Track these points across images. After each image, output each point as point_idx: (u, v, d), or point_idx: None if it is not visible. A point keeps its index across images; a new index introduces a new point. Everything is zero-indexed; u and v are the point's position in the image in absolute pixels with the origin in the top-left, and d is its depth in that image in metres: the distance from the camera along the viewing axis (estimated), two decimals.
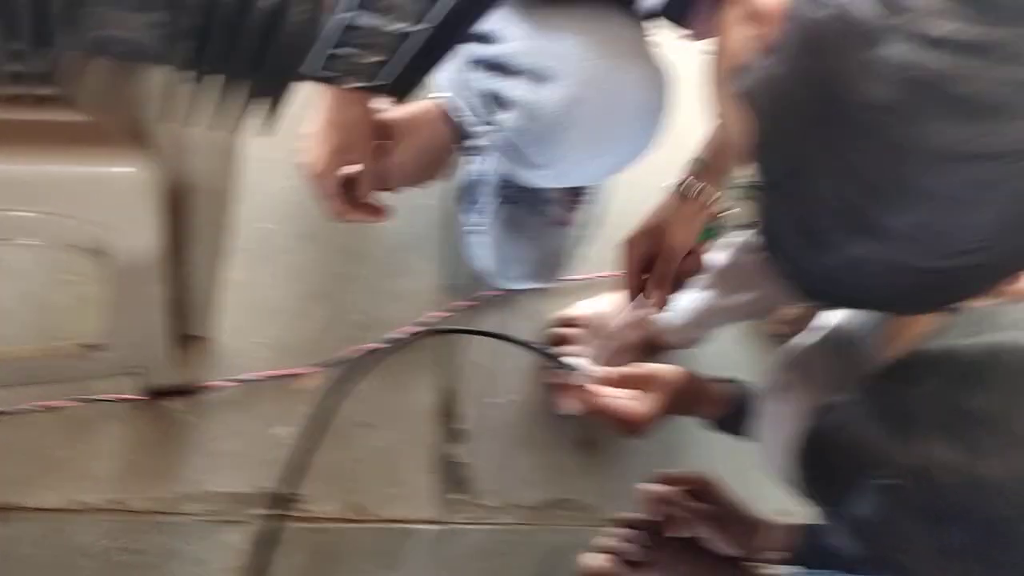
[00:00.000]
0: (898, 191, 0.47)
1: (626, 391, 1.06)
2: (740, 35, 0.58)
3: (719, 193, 1.00)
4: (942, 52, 0.44)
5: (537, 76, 0.76)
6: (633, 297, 1.07)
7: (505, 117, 0.80)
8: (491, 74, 0.80)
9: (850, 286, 0.53)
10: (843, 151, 0.48)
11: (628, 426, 1.04)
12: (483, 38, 0.79)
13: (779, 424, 0.94)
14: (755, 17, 0.55)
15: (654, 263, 1.05)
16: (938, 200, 0.46)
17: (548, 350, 1.12)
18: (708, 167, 0.99)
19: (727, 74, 0.59)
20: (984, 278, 0.52)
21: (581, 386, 1.01)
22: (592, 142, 0.79)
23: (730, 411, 1.09)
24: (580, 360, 1.00)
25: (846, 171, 0.48)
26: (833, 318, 1.03)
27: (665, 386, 1.05)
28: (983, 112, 0.44)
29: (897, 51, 0.45)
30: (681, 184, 1.00)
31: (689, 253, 1.05)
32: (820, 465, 0.61)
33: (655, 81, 0.79)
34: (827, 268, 0.53)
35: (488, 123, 0.84)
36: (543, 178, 0.85)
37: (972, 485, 0.49)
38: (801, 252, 0.53)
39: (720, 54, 0.65)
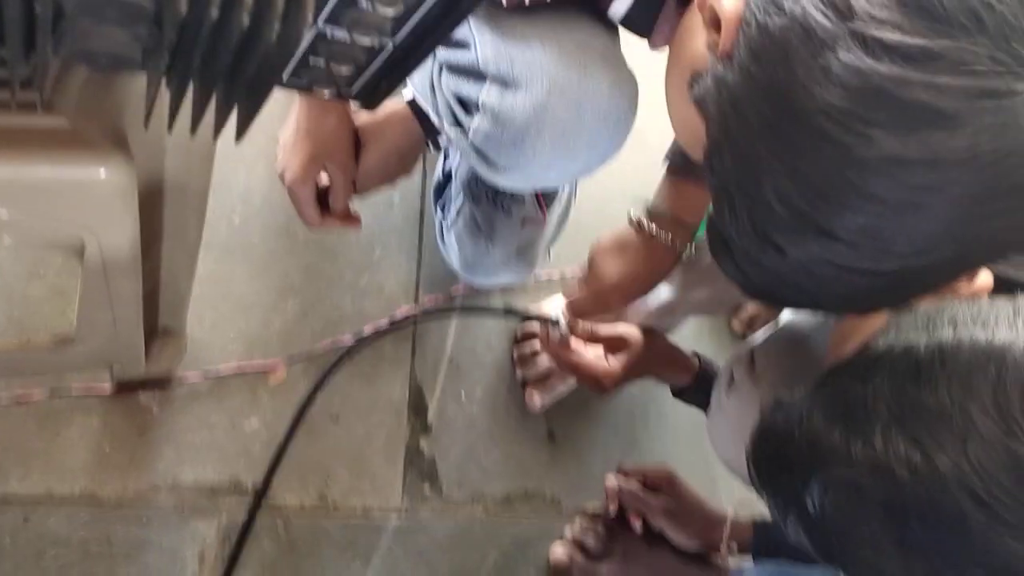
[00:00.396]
0: (846, 195, 0.48)
1: (597, 350, 1.09)
2: (699, 42, 0.60)
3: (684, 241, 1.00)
4: (891, 60, 0.45)
5: (505, 82, 0.77)
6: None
7: (473, 121, 0.81)
8: (460, 79, 0.81)
9: (799, 287, 0.54)
10: (793, 156, 0.49)
11: (597, 382, 1.06)
12: (453, 43, 0.80)
13: (728, 419, 0.97)
14: (714, 24, 0.57)
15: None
16: (884, 204, 0.48)
17: (520, 310, 1.14)
18: (673, 222, 0.98)
19: (684, 80, 0.60)
20: (931, 280, 0.53)
21: (554, 341, 1.04)
22: (559, 148, 0.80)
23: (695, 382, 1.12)
24: (556, 315, 1.01)
25: (795, 176, 0.50)
26: (785, 316, 1.06)
27: (636, 347, 1.08)
28: (928, 119, 0.45)
29: (847, 58, 0.46)
30: (648, 230, 1.00)
31: None
32: (774, 461, 0.60)
33: (623, 89, 0.80)
34: (776, 269, 0.54)
35: (456, 126, 0.85)
36: (509, 181, 0.86)
37: (930, 479, 0.49)
38: (751, 254, 0.55)
39: (678, 60, 0.66)
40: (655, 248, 0.99)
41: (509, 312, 1.19)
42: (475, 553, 1.14)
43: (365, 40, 0.46)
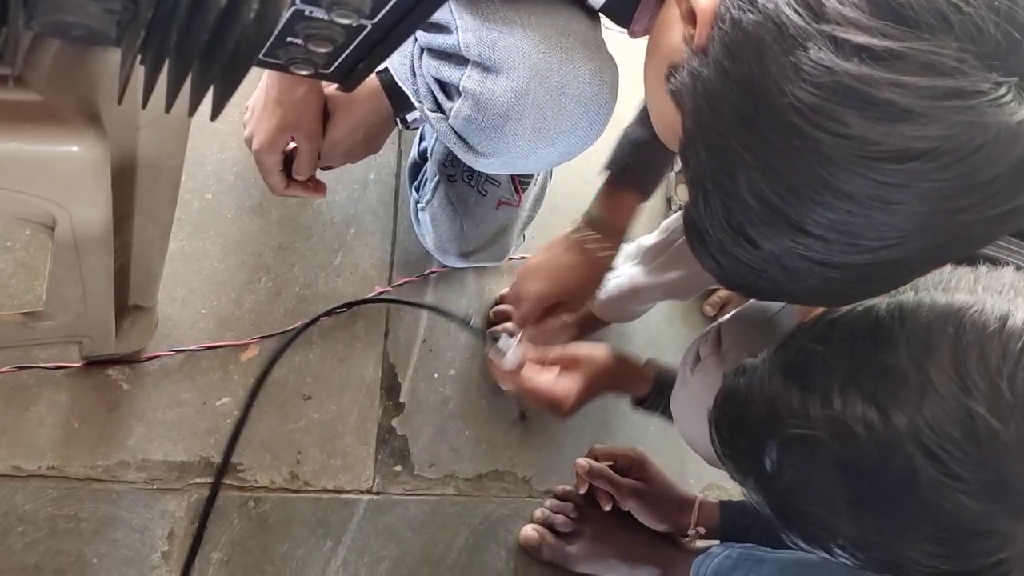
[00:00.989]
0: (816, 191, 0.49)
1: (553, 372, 1.09)
2: (675, 35, 0.60)
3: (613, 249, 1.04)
4: (859, 60, 0.46)
5: (486, 67, 0.77)
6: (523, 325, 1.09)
7: (453, 106, 0.81)
8: (441, 62, 0.81)
9: (772, 280, 0.55)
10: (765, 151, 0.50)
11: (555, 406, 1.06)
12: (434, 27, 0.79)
13: (693, 397, 0.98)
14: (690, 17, 0.57)
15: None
16: (854, 200, 0.49)
17: (478, 328, 1.14)
18: (607, 228, 1.03)
19: (661, 72, 0.60)
20: (900, 274, 0.54)
21: (510, 367, 1.03)
22: (539, 134, 0.80)
23: (653, 390, 1.13)
24: (510, 341, 1.01)
25: (767, 171, 0.50)
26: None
27: (590, 366, 1.08)
28: (895, 117, 0.46)
29: (818, 57, 0.47)
30: (579, 239, 1.04)
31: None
32: (735, 424, 0.62)
33: (604, 75, 0.80)
34: (750, 262, 0.55)
35: (436, 110, 0.85)
36: (489, 166, 0.86)
37: (886, 435, 0.51)
38: (725, 246, 0.55)
39: (655, 52, 0.66)
40: (588, 260, 1.03)
41: (466, 326, 1.19)
42: (446, 532, 1.15)
43: (344, 20, 0.46)
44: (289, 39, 0.48)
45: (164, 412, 1.02)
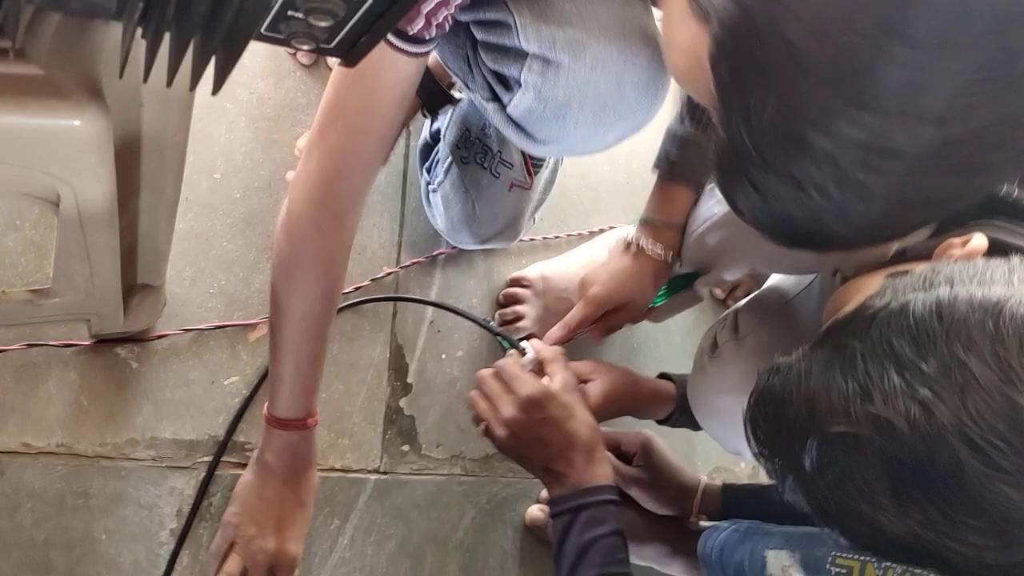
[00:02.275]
0: (879, 42, 0.46)
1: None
2: None
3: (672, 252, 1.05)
4: None
5: (547, 60, 0.78)
6: (570, 332, 1.09)
7: (513, 96, 0.82)
8: (498, 55, 0.81)
9: (822, 193, 0.52)
10: (818, 13, 0.48)
11: None
12: (491, 24, 0.80)
13: (712, 384, 0.97)
14: None
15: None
16: (918, 46, 0.46)
17: (493, 326, 1.14)
18: (661, 227, 1.04)
19: (684, 6, 0.58)
20: (958, 168, 0.51)
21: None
22: (599, 120, 0.82)
23: (676, 408, 1.12)
24: (524, 343, 1.01)
25: (824, 34, 0.48)
26: (769, 281, 1.07)
27: (608, 381, 1.07)
28: None
29: None
30: (636, 242, 1.05)
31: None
32: (772, 423, 0.61)
33: (658, 60, 0.81)
34: (799, 174, 0.52)
35: (494, 100, 0.85)
36: (546, 151, 0.88)
37: (929, 430, 0.50)
38: (768, 163, 0.53)
39: None
40: (647, 260, 1.05)
41: (479, 324, 1.19)
42: (453, 511, 1.16)
43: None
44: (290, 12, 0.48)
45: (173, 391, 1.03)
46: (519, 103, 0.82)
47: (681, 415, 1.13)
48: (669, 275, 1.07)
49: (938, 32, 0.45)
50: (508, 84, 0.83)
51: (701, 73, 0.55)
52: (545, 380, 0.95)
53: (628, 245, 1.06)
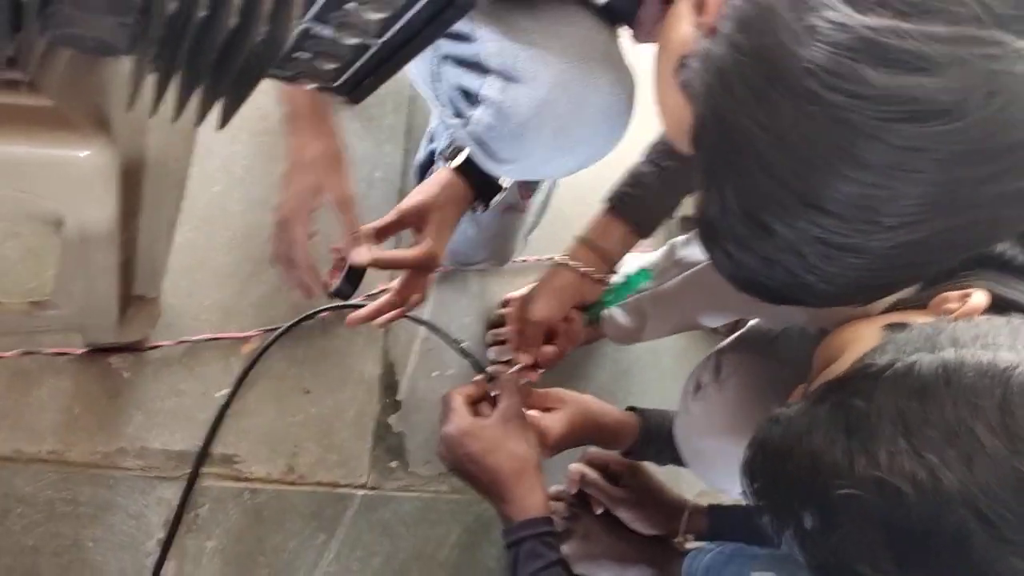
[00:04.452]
0: (833, 162, 0.48)
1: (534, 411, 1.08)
2: (685, 27, 0.60)
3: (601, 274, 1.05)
4: (877, 12, 0.46)
5: (508, 76, 0.78)
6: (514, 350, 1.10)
7: (474, 113, 0.82)
8: (462, 71, 0.82)
9: (789, 272, 0.54)
10: (779, 124, 0.49)
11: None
12: (455, 36, 0.80)
13: (696, 424, 0.98)
14: (700, 7, 0.57)
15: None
16: (872, 169, 0.47)
17: (468, 351, 1.16)
18: (591, 248, 1.04)
19: (672, 68, 0.60)
20: (920, 261, 0.53)
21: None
22: (559, 142, 0.81)
23: (641, 440, 1.13)
24: (498, 367, 1.02)
25: (782, 146, 0.49)
26: (753, 320, 1.08)
27: (574, 408, 1.08)
28: (914, 67, 0.45)
29: (834, 16, 0.46)
30: (571, 256, 1.05)
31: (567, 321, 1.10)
32: (771, 476, 0.60)
33: (623, 86, 0.81)
34: (764, 252, 0.54)
35: (458, 117, 0.86)
36: (508, 171, 0.88)
37: (935, 496, 0.50)
38: (738, 236, 0.54)
39: (666, 49, 0.65)
40: (561, 270, 1.04)
41: (458, 349, 1.20)
42: (439, 529, 1.17)
43: (351, 40, 0.47)
44: (297, 54, 0.49)
45: (164, 401, 1.04)
46: (480, 120, 0.82)
47: (643, 449, 1.14)
48: (596, 293, 1.07)
49: (890, 159, 0.47)
50: (471, 100, 0.83)
51: (685, 136, 0.57)
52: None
53: (562, 264, 1.05)
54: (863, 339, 0.63)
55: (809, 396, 0.60)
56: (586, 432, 1.10)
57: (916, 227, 0.49)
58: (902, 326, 0.60)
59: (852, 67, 0.46)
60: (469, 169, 0.96)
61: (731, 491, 1.04)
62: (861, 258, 0.51)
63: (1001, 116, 0.46)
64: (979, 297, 0.62)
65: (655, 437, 1.13)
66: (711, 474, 1.02)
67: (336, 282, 0.96)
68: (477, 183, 0.98)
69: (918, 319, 0.60)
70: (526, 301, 1.07)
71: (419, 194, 0.99)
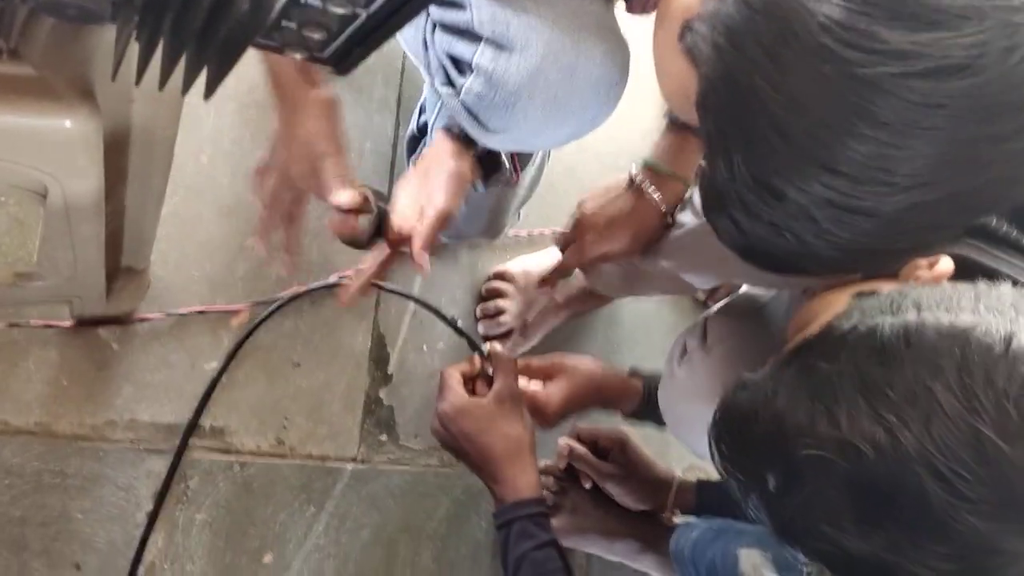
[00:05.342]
0: (848, 121, 0.48)
1: (536, 380, 1.09)
2: None
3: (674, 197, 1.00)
4: None
5: (500, 45, 0.77)
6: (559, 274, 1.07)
7: (465, 81, 0.81)
8: (453, 38, 0.81)
9: (798, 238, 0.54)
10: (792, 83, 0.48)
11: (536, 413, 1.07)
12: (447, 3, 0.79)
13: (679, 389, 0.98)
14: None
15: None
16: (888, 127, 0.47)
17: (463, 330, 1.16)
18: (666, 176, 0.99)
19: (674, 34, 0.59)
20: (928, 225, 0.53)
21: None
22: (550, 113, 0.80)
23: (642, 402, 1.14)
24: (495, 345, 1.02)
25: (795, 105, 0.49)
26: (743, 287, 1.08)
27: (574, 376, 1.09)
28: (930, 22, 0.45)
29: None
30: (638, 184, 1.00)
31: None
32: (737, 440, 0.61)
33: (616, 56, 0.80)
34: (773, 218, 0.53)
35: (448, 85, 0.85)
36: (498, 142, 0.87)
37: (894, 456, 0.50)
38: (748, 204, 0.54)
39: (666, 16, 0.63)
40: (645, 206, 1.00)
41: (451, 325, 1.20)
42: (428, 502, 1.17)
43: (338, 9, 0.46)
44: (284, 23, 0.48)
45: (153, 373, 1.03)
46: (470, 88, 0.81)
47: (646, 411, 1.15)
48: (659, 234, 1.03)
49: (905, 116, 0.46)
50: (462, 69, 0.82)
51: (689, 105, 0.56)
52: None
53: (631, 184, 1.01)
54: (833, 307, 0.63)
55: (776, 361, 0.61)
56: (589, 398, 1.10)
57: (930, 187, 0.49)
58: (871, 293, 0.60)
59: (867, 21, 0.45)
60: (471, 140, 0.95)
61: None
62: (873, 221, 0.51)
63: (1020, 71, 0.45)
64: (946, 263, 0.62)
65: (657, 400, 1.13)
66: (693, 438, 1.02)
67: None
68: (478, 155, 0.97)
69: (888, 287, 0.61)
70: (585, 225, 1.03)
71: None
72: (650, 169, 1.00)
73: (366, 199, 0.87)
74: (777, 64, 0.48)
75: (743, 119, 0.52)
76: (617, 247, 1.03)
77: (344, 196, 0.84)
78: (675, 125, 0.99)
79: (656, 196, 0.99)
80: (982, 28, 0.44)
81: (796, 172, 0.50)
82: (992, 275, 0.61)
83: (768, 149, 0.51)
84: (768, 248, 0.56)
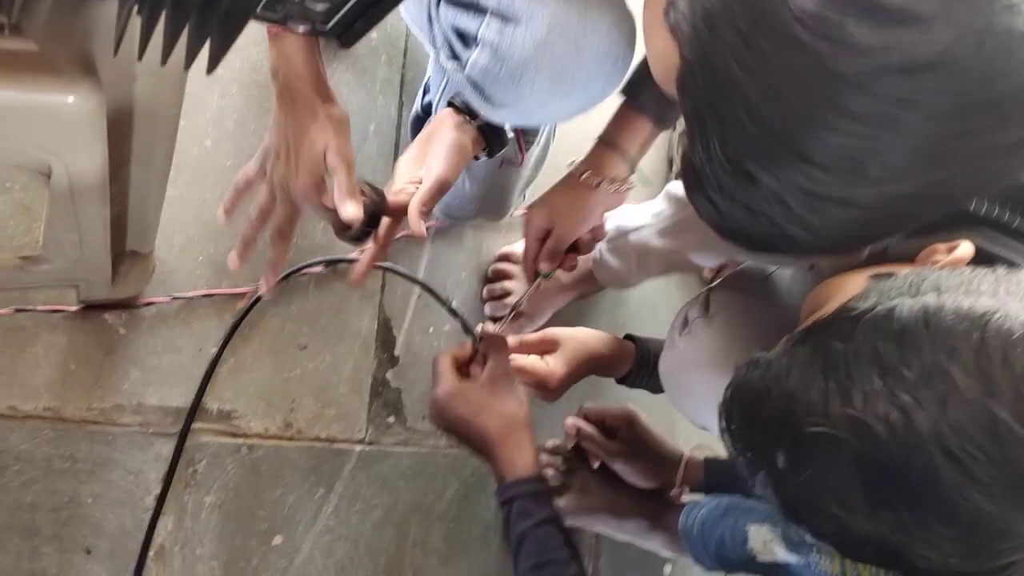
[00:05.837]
0: (820, 112, 0.47)
1: (534, 355, 1.09)
2: None
3: (620, 182, 1.00)
4: None
5: (506, 17, 0.77)
6: (528, 266, 1.07)
7: (470, 54, 0.80)
8: (459, 11, 0.80)
9: (772, 222, 0.54)
10: (766, 71, 0.48)
11: (540, 386, 1.07)
12: None
13: (681, 359, 0.98)
14: None
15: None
16: (859, 120, 0.47)
17: (458, 311, 1.16)
18: (615, 148, 0.99)
19: (659, 10, 0.58)
20: (905, 214, 0.53)
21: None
22: (556, 85, 0.80)
23: (634, 366, 1.14)
24: (487, 325, 1.02)
25: (769, 93, 0.49)
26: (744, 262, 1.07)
27: (572, 347, 1.09)
28: (901, 21, 0.44)
29: None
30: (582, 170, 1.01)
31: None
32: (748, 417, 0.61)
33: (622, 28, 0.80)
34: (749, 202, 0.53)
35: (453, 59, 0.84)
36: (504, 116, 0.86)
37: (907, 436, 0.50)
38: (723, 185, 0.54)
39: None
40: (587, 190, 1.00)
41: (448, 309, 1.19)
42: (437, 483, 1.17)
43: None
44: None
45: (160, 357, 1.03)
46: (476, 62, 0.80)
47: (638, 376, 1.15)
48: (618, 203, 1.04)
49: (877, 110, 0.46)
50: (468, 42, 0.82)
51: (672, 76, 0.56)
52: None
53: (573, 174, 1.02)
54: (848, 288, 0.63)
55: (790, 339, 0.60)
56: (587, 366, 1.11)
57: (902, 180, 0.49)
58: (888, 276, 0.60)
59: (839, 18, 0.45)
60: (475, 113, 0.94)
61: (712, 428, 1.05)
62: (846, 209, 0.51)
63: (990, 66, 0.45)
64: (966, 247, 0.62)
65: (651, 363, 1.13)
66: (692, 408, 1.03)
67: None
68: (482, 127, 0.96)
69: (905, 271, 0.60)
70: (534, 214, 1.04)
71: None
72: (599, 145, 1.01)
73: (361, 192, 0.87)
74: (751, 50, 0.48)
75: (718, 102, 0.51)
76: (555, 223, 1.02)
77: (352, 211, 0.84)
78: (627, 103, 0.99)
79: (595, 178, 0.99)
80: (952, 28, 0.44)
81: (769, 158, 0.50)
82: (1002, 263, 0.61)
83: (742, 133, 0.51)
84: (744, 229, 0.56)
